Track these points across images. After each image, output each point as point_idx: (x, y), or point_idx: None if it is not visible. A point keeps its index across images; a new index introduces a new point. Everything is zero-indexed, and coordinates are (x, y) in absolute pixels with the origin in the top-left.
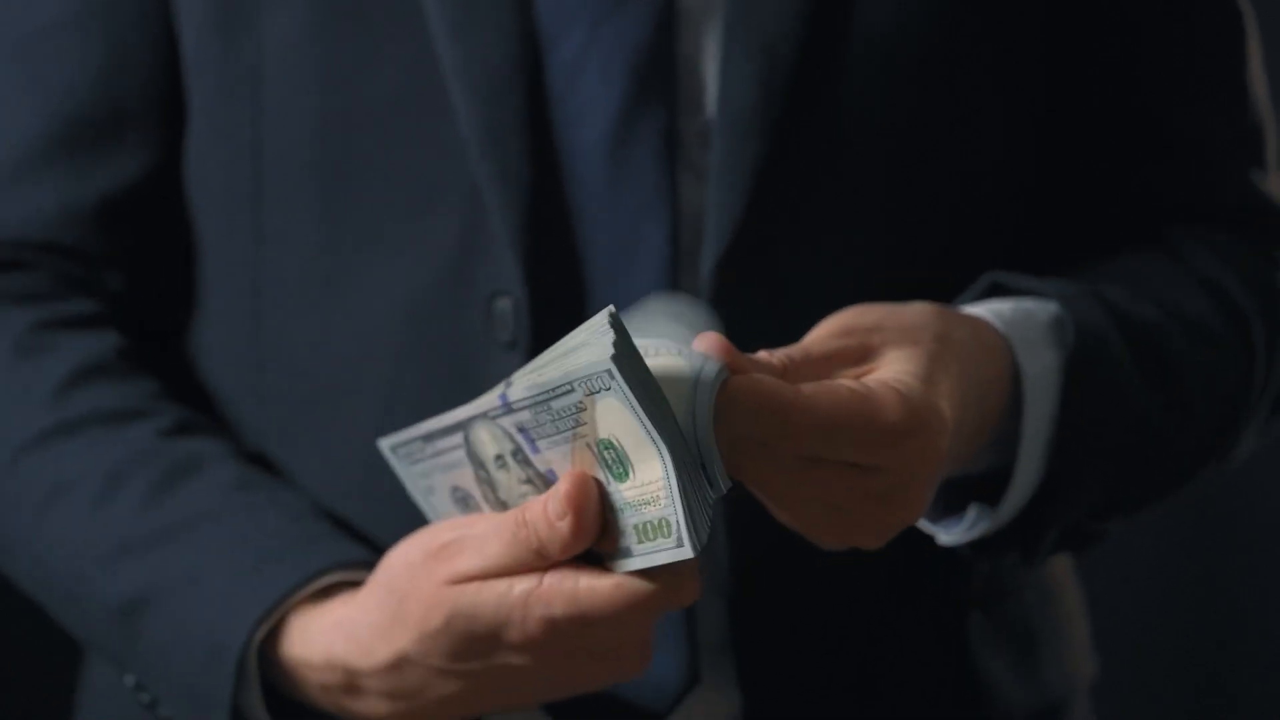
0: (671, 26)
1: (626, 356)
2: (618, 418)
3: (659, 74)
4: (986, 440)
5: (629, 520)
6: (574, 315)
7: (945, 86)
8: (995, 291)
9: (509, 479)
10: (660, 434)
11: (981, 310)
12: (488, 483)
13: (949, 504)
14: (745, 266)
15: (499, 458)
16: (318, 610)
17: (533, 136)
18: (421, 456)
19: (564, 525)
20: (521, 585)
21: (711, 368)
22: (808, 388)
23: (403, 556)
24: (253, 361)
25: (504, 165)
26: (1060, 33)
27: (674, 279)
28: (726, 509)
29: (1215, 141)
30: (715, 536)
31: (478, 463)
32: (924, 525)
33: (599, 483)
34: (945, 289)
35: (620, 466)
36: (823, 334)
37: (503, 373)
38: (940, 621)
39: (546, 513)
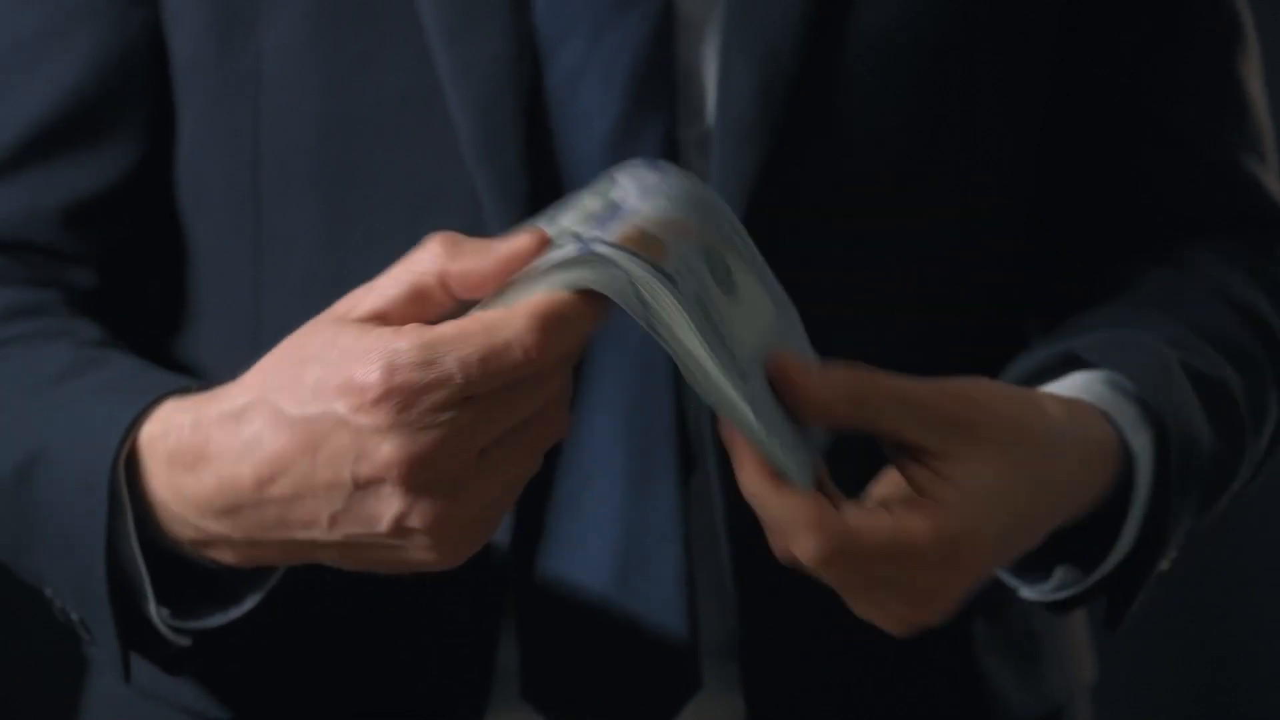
0: (671, 33)
1: None
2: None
3: (659, 81)
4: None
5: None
6: None
7: (946, 92)
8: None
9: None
10: None
11: (1091, 398)
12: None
13: (1034, 559)
14: None
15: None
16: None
17: (530, 143)
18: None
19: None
20: (381, 329)
21: None
22: (850, 514)
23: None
24: (252, 365)
25: (502, 172)
26: (1061, 38)
27: None
28: (728, 516)
29: (1215, 148)
30: (717, 542)
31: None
32: (1005, 577)
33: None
34: (946, 295)
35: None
36: (927, 386)
37: None
38: (943, 627)
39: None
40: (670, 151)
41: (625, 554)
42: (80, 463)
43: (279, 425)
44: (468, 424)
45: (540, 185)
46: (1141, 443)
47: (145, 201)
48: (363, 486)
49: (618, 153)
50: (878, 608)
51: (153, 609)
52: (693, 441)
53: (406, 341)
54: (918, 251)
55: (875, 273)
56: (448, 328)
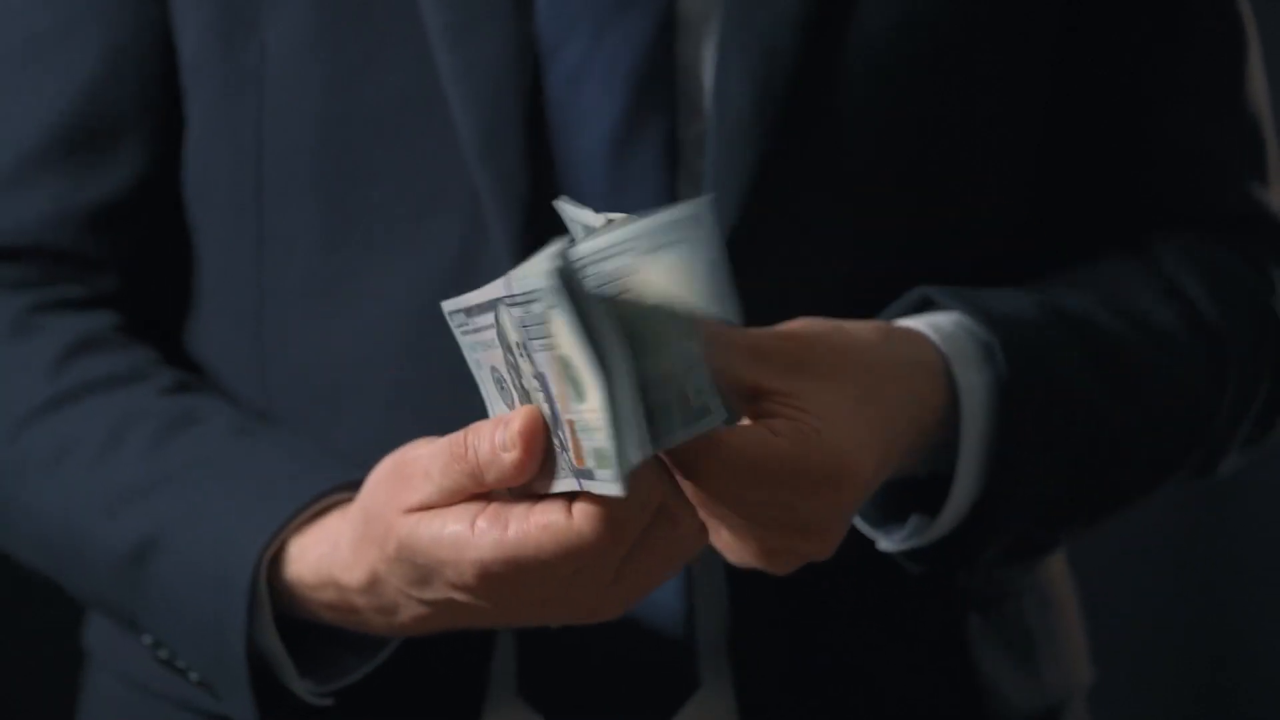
0: (672, 33)
1: (569, 275)
2: (569, 336)
3: (660, 81)
4: (922, 454)
5: (586, 444)
6: None
7: (945, 92)
8: (929, 305)
9: (527, 368)
10: (599, 362)
11: (921, 325)
12: (514, 368)
13: (890, 508)
14: (742, 272)
15: (518, 345)
16: (313, 528)
17: (532, 143)
18: (468, 328)
19: (508, 458)
20: (452, 527)
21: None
22: (728, 434)
23: (378, 471)
24: (255, 364)
25: (503, 172)
26: (1060, 41)
27: None
28: None
29: (1214, 151)
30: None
31: (505, 346)
32: (863, 528)
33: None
34: None
35: (576, 386)
36: (767, 331)
37: None
38: (939, 625)
39: (493, 441)
40: (671, 151)
41: None
42: (215, 562)
43: (407, 600)
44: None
45: (541, 185)
46: (977, 380)
47: (162, 201)
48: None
49: (619, 152)
50: (764, 547)
51: (296, 683)
52: None
53: (492, 553)
54: (915, 251)
55: (871, 272)
56: (517, 539)
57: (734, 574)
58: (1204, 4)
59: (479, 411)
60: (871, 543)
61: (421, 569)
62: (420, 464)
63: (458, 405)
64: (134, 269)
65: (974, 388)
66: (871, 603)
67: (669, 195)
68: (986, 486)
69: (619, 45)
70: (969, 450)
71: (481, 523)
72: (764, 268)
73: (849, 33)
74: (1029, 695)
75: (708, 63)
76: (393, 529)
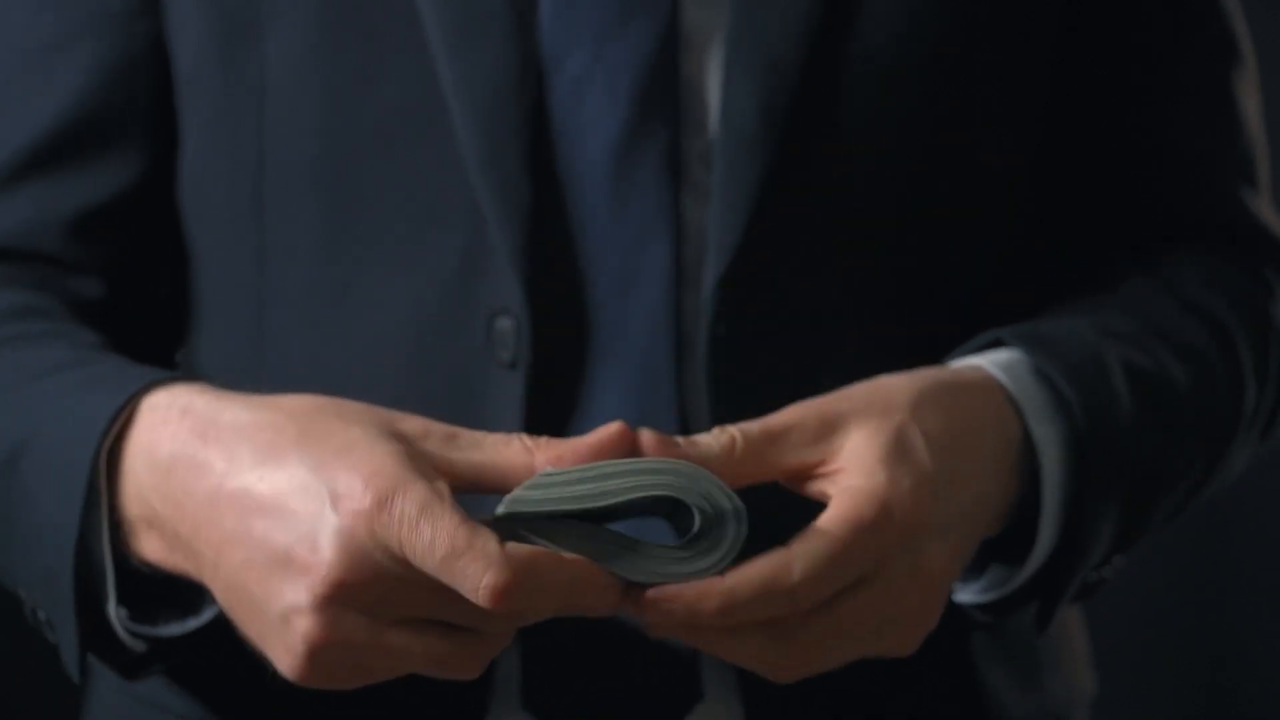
0: (675, 46)
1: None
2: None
3: (663, 93)
4: (1006, 503)
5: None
6: (575, 335)
7: (947, 102)
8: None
9: None
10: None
11: (989, 367)
12: None
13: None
14: (748, 285)
15: None
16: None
17: (533, 155)
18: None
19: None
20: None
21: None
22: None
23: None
24: (254, 377)
25: (504, 184)
26: (1061, 52)
27: (676, 298)
28: None
29: (1207, 160)
30: None
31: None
32: None
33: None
34: (946, 306)
35: None
36: (785, 411)
37: (503, 393)
38: (942, 636)
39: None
40: (674, 163)
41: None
42: (62, 451)
43: (280, 465)
44: (401, 588)
45: (543, 197)
46: (1049, 431)
47: (150, 211)
48: (291, 568)
49: (622, 164)
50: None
51: (112, 608)
52: None
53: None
54: (920, 259)
55: (878, 281)
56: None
57: None
58: (1198, 17)
59: (477, 424)
60: None
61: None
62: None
63: (458, 417)
64: (120, 278)
65: (1049, 440)
66: None
67: (671, 208)
68: (1064, 537)
69: (621, 57)
70: (1049, 505)
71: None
72: (771, 281)
73: (853, 44)
74: (1032, 706)
75: (711, 76)
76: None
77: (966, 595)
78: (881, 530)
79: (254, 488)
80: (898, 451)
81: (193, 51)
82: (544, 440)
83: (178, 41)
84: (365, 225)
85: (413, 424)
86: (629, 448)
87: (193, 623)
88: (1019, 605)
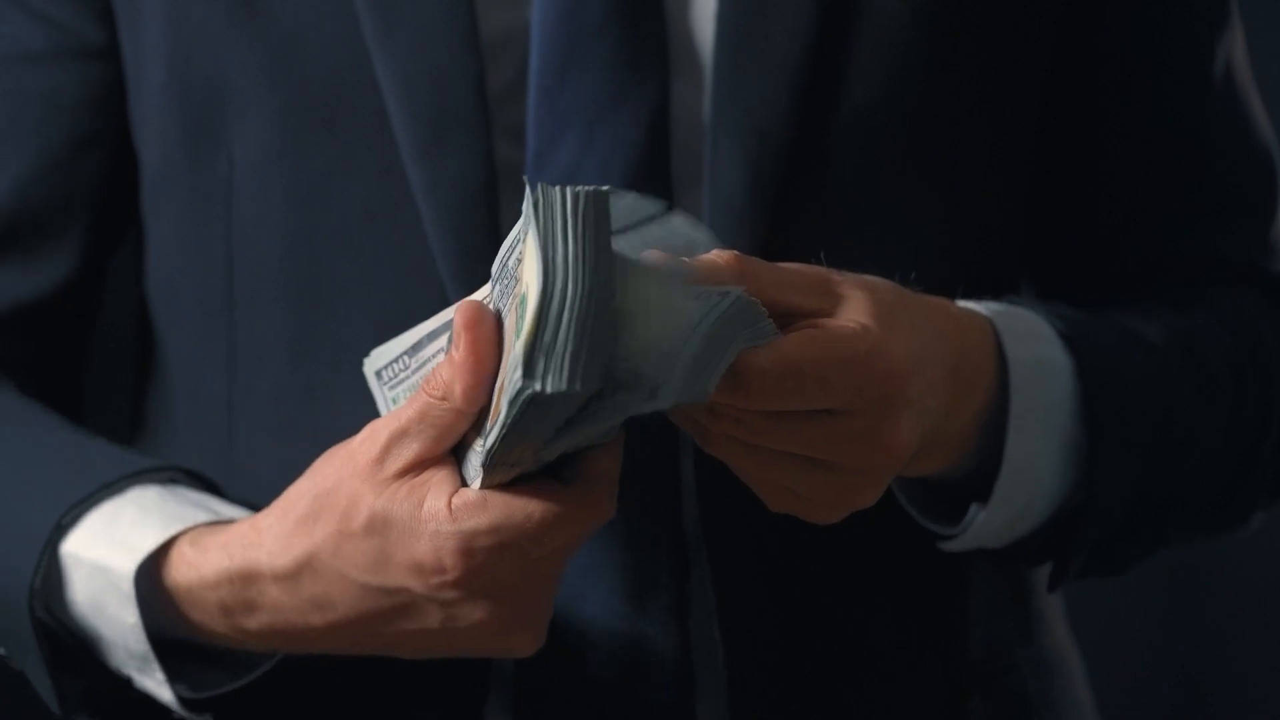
0: (666, 129)
1: (544, 202)
2: (529, 263)
3: (655, 177)
4: (975, 426)
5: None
6: None
7: (934, 158)
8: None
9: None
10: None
11: (968, 302)
12: None
13: (953, 511)
14: None
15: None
16: (219, 527)
17: None
18: (405, 374)
19: (458, 354)
20: (432, 502)
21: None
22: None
23: (334, 450)
24: (224, 479)
25: (478, 286)
26: (1050, 98)
27: None
28: (710, 537)
29: (1221, 193)
30: (701, 564)
31: None
32: (917, 517)
33: (496, 316)
34: None
35: (521, 308)
36: (791, 265)
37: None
38: (940, 706)
39: (450, 355)
40: None
41: (629, 652)
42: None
43: (349, 590)
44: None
45: None
46: (1040, 351)
47: (84, 308)
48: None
49: None
50: (816, 485)
51: (169, 694)
52: (689, 536)
53: (481, 522)
54: None
55: None
56: (505, 505)
57: (730, 622)
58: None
59: None
60: (875, 614)
61: (388, 546)
62: (378, 439)
63: None
64: (46, 371)
65: (1033, 359)
66: (874, 690)
67: None
68: (1078, 475)
69: (612, 145)
70: (1020, 422)
71: (458, 501)
72: None
73: (839, 106)
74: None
75: (700, 147)
76: (363, 499)
77: (957, 544)
78: (864, 368)
79: None
80: (890, 318)
81: (158, 151)
82: None
83: (143, 142)
84: (331, 328)
85: (367, 450)
86: None
87: (247, 678)
88: (1039, 555)
